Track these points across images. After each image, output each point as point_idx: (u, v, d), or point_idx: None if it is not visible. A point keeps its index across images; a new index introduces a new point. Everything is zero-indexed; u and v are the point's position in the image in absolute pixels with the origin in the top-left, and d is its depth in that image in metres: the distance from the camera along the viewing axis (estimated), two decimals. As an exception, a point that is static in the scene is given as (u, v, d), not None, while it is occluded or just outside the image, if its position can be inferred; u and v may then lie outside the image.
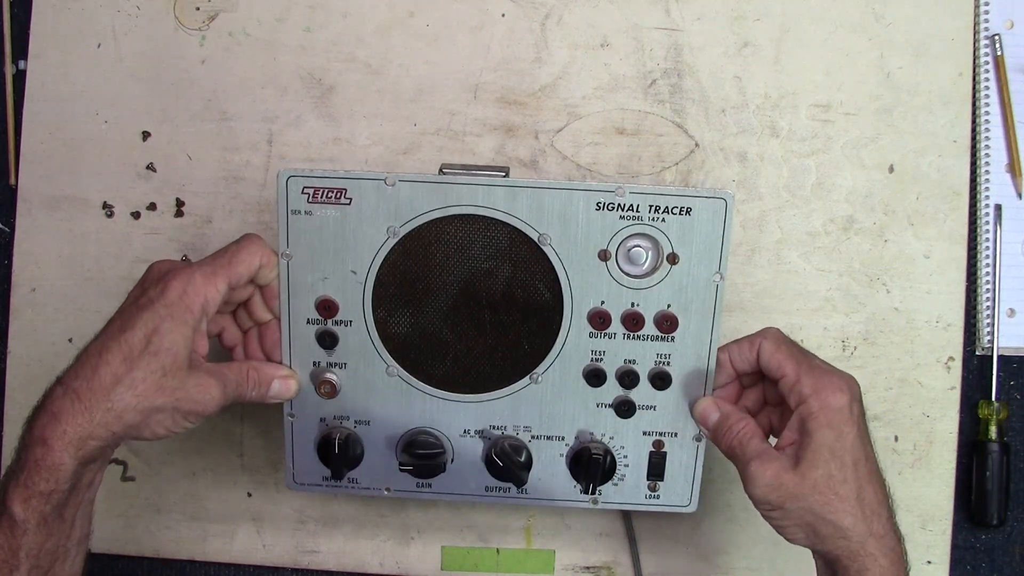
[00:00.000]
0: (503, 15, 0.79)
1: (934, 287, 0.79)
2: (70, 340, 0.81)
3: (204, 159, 0.80)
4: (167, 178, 0.80)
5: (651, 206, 0.64)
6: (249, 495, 0.82)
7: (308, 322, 0.67)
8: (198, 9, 0.80)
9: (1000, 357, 0.80)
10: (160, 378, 0.58)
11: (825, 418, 0.60)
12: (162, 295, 0.59)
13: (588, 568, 0.82)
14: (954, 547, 0.81)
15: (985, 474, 0.79)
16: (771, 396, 0.67)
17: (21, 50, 0.81)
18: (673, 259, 0.65)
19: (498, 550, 0.82)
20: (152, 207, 0.81)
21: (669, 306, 0.66)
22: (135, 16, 0.80)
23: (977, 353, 0.81)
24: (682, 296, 0.66)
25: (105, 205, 0.81)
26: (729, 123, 0.79)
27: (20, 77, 0.81)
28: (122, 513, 0.82)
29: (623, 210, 0.64)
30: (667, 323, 0.66)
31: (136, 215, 0.81)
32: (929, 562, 0.80)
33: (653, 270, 0.65)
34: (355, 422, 0.69)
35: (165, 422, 0.60)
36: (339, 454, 0.68)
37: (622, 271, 0.66)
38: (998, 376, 0.80)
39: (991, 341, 0.80)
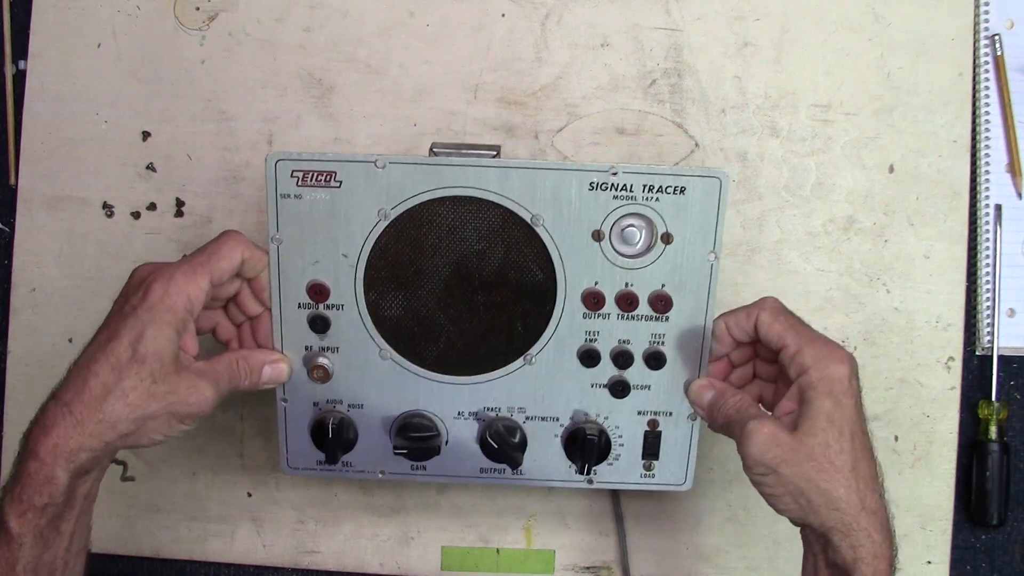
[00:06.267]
0: (503, 15, 0.79)
1: (934, 287, 0.79)
2: (70, 340, 0.81)
3: (204, 159, 0.80)
4: (167, 178, 0.80)
5: (645, 186, 0.63)
6: (249, 495, 0.82)
7: (299, 306, 0.66)
8: (198, 9, 0.80)
9: (1000, 357, 0.80)
10: (150, 385, 0.58)
11: (826, 387, 0.59)
12: (143, 300, 0.59)
13: (588, 568, 0.82)
14: (954, 547, 0.81)
15: (985, 474, 0.79)
16: (762, 371, 0.67)
17: (21, 50, 0.81)
18: (667, 239, 0.65)
19: (498, 550, 0.82)
20: (152, 207, 0.81)
21: (663, 286, 0.66)
22: (135, 16, 0.80)
23: (977, 353, 0.81)
24: (676, 276, 0.65)
25: (105, 205, 0.81)
26: (729, 123, 0.79)
27: (20, 77, 0.81)
28: (122, 513, 0.82)
29: (616, 190, 0.64)
30: (661, 303, 0.66)
31: (136, 215, 0.81)
32: (929, 562, 0.80)
33: (647, 250, 0.65)
34: (348, 406, 0.69)
35: (160, 428, 0.59)
36: (333, 438, 0.68)
37: (616, 251, 0.65)
38: (998, 376, 0.80)
39: (991, 341, 0.80)
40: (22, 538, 0.56)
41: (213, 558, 0.83)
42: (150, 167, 0.80)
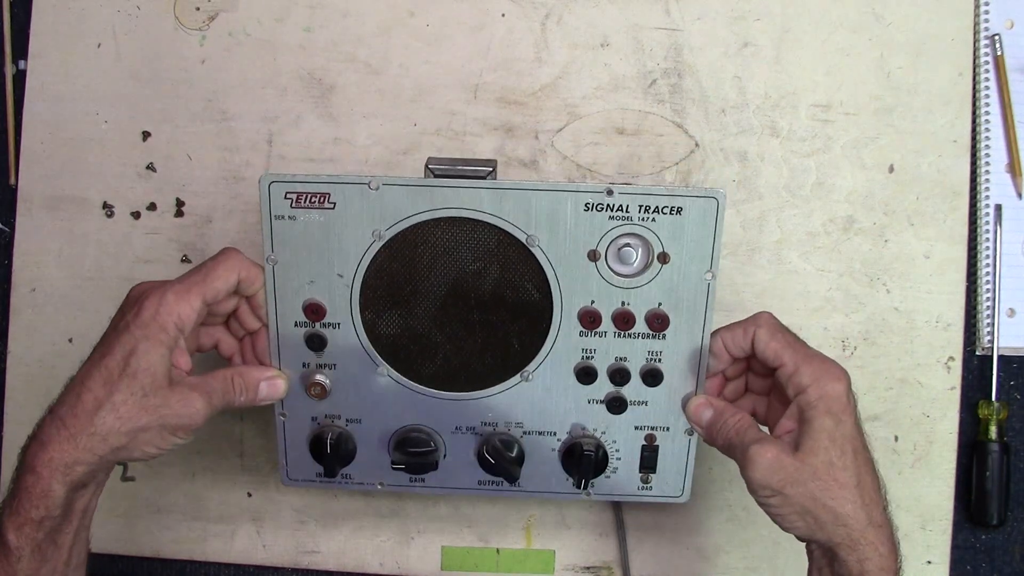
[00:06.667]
0: (503, 15, 0.79)
1: (934, 287, 0.79)
2: (70, 340, 0.81)
3: (204, 159, 0.80)
4: (167, 178, 0.80)
5: (641, 206, 0.63)
6: (249, 495, 0.82)
7: (296, 325, 0.66)
8: (198, 9, 0.80)
9: (1000, 357, 0.80)
10: (141, 398, 0.58)
11: (825, 406, 0.60)
12: (136, 317, 0.60)
13: (588, 568, 0.82)
14: (954, 547, 0.81)
15: (985, 474, 0.79)
16: (755, 385, 0.68)
17: (21, 50, 0.81)
18: (664, 258, 0.64)
19: (498, 550, 0.82)
20: (152, 207, 0.81)
21: (660, 305, 0.66)
22: (135, 16, 0.80)
23: (977, 353, 0.81)
24: (673, 295, 0.65)
25: (105, 205, 0.81)
26: (729, 123, 0.79)
27: (20, 77, 0.81)
28: (122, 513, 0.82)
29: (612, 210, 0.63)
30: (658, 322, 0.66)
31: (136, 215, 0.81)
32: (929, 562, 0.80)
33: (643, 269, 0.65)
34: (347, 420, 0.69)
35: (153, 440, 0.60)
36: (331, 453, 0.68)
37: (612, 271, 0.65)
38: (998, 376, 0.80)
39: (991, 341, 0.80)
40: (20, 551, 0.57)
41: (213, 558, 0.83)
42: (150, 167, 0.80)
